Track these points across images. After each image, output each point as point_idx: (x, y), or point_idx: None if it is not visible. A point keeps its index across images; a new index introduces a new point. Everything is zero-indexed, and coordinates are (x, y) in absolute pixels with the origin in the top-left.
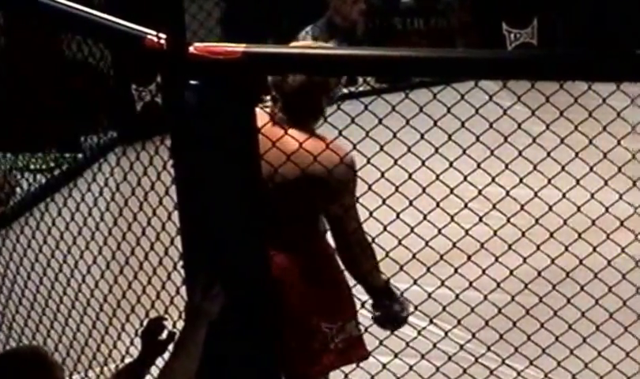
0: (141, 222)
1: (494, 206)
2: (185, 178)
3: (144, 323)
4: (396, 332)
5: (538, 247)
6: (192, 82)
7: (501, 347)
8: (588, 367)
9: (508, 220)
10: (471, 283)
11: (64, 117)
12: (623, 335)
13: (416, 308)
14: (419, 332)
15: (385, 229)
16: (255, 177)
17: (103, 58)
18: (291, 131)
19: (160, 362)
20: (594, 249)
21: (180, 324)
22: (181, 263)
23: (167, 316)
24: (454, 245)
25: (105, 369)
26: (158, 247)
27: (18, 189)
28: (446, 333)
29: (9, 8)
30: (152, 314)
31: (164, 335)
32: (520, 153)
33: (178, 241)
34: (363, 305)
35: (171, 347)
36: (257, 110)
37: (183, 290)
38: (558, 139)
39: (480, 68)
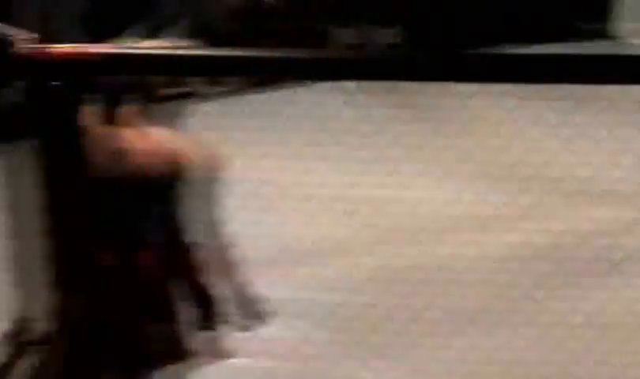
0: None
1: (361, 207)
2: (43, 180)
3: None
4: (256, 333)
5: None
6: (52, 83)
7: (362, 347)
8: (449, 368)
9: (372, 221)
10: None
11: None
12: (487, 332)
13: (274, 309)
14: (279, 334)
15: (254, 228)
16: (87, 174)
17: None
18: (148, 129)
19: None
20: (459, 249)
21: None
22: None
23: None
24: (314, 245)
25: None
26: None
27: None
28: (305, 335)
29: None
30: None
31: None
32: (387, 154)
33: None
34: (222, 306)
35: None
36: (121, 109)
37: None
38: (420, 139)
39: (334, 68)
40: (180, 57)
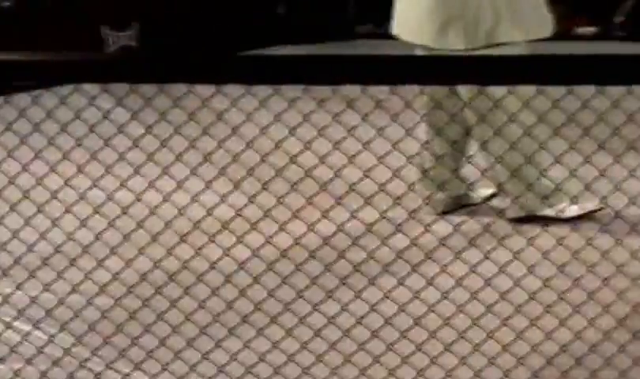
0: None
1: (97, 210)
2: None
3: None
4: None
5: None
6: None
7: (107, 350)
8: (193, 369)
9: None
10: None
11: None
12: (228, 336)
13: (20, 313)
14: (23, 337)
15: None
16: None
17: None
18: None
19: None
20: (197, 252)
21: None
22: None
23: None
24: (83, 248)
25: None
26: None
27: None
28: (51, 337)
29: None
30: None
31: None
32: (122, 156)
33: None
34: None
35: None
36: None
37: None
38: (160, 141)
39: (77, 71)
40: None
